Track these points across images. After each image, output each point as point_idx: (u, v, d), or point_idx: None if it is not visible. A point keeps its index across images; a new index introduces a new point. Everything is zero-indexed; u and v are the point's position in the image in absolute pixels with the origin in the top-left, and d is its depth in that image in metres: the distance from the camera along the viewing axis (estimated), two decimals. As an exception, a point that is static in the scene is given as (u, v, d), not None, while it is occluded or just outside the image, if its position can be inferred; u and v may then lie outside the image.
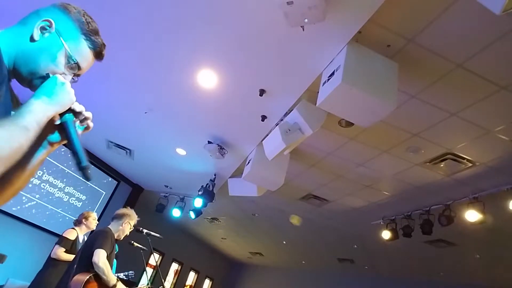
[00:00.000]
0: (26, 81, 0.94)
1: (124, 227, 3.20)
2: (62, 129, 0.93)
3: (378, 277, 10.56)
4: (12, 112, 0.91)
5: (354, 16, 2.77)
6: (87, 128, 1.01)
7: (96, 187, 7.28)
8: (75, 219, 4.43)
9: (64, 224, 6.29)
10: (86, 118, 0.99)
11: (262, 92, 3.88)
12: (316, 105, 3.23)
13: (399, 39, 3.04)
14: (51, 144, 0.96)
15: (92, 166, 6.80)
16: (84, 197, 6.97)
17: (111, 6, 3.26)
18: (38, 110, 0.84)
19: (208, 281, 13.93)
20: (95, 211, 7.14)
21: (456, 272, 8.37)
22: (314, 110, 3.63)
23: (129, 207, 3.45)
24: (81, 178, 6.61)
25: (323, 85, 3.18)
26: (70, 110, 0.93)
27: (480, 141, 4.02)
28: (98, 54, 1.04)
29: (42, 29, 0.94)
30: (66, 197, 6.66)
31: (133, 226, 3.32)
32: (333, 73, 3.01)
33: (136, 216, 3.35)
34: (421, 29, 2.90)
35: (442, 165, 4.64)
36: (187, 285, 12.77)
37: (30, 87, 0.94)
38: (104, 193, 7.52)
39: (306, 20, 2.55)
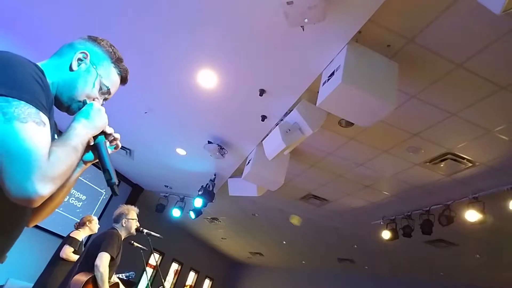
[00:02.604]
0: (65, 107, 1.05)
1: (127, 225, 3.16)
2: (95, 149, 1.04)
3: (378, 277, 10.56)
4: (55, 135, 1.01)
5: (354, 16, 2.77)
6: (116, 147, 1.14)
7: (96, 187, 7.27)
8: (77, 222, 4.43)
9: (64, 224, 6.30)
10: (115, 139, 1.11)
11: (262, 92, 3.88)
12: (316, 105, 3.23)
13: (399, 39, 3.04)
14: (85, 162, 1.08)
15: (93, 166, 6.80)
16: (84, 197, 6.97)
17: (111, 6, 3.25)
18: (82, 133, 0.94)
19: (208, 281, 13.93)
20: (95, 211, 7.19)
21: (456, 272, 8.37)
22: (314, 110, 3.63)
23: (124, 204, 3.37)
24: (81, 178, 6.63)
25: (323, 85, 3.18)
26: (102, 132, 1.04)
27: (480, 141, 4.02)
28: (124, 79, 1.18)
29: (79, 60, 1.06)
30: (66, 197, 6.64)
31: (136, 217, 3.27)
32: (333, 73, 3.01)
33: (132, 207, 3.29)
34: (421, 29, 2.90)
35: (442, 165, 4.63)
36: (187, 285, 12.77)
37: (68, 111, 1.06)
38: (104, 193, 7.52)
39: (306, 20, 2.55)
